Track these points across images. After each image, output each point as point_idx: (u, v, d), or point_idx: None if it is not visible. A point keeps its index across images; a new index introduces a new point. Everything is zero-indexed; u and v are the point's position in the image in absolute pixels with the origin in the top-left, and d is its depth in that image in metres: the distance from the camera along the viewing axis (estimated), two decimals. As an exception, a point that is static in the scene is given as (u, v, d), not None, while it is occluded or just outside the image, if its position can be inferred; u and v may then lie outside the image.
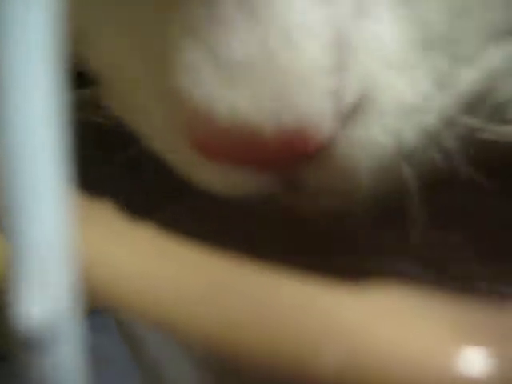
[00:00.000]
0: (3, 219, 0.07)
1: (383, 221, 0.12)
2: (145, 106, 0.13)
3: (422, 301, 0.08)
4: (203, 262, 0.09)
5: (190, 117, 0.11)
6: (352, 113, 0.11)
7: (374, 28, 0.11)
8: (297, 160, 0.11)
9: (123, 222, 0.10)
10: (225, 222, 0.13)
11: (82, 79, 0.14)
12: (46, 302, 0.07)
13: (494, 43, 0.12)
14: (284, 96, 0.11)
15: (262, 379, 0.10)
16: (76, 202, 0.07)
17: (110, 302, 0.09)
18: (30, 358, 0.07)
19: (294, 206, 0.12)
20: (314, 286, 0.08)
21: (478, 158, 0.13)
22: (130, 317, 0.12)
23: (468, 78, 0.12)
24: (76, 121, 0.07)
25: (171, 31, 0.12)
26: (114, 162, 0.14)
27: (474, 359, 0.08)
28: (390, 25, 0.11)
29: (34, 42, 0.07)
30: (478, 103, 0.12)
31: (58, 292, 0.07)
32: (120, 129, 0.14)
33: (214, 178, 0.12)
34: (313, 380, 0.08)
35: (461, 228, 0.14)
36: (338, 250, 0.12)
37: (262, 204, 0.12)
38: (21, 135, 0.07)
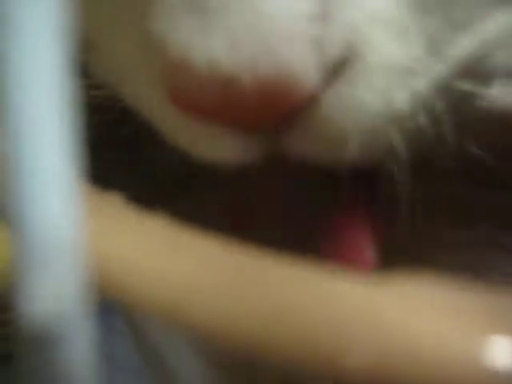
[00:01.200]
0: (11, 210, 0.06)
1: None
2: (127, 63, 0.13)
3: (455, 292, 0.08)
4: (217, 255, 0.09)
5: (165, 64, 0.11)
6: (337, 67, 0.11)
7: None
8: (278, 117, 0.10)
9: (133, 213, 0.09)
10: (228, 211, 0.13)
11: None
12: (56, 296, 0.06)
13: (493, 10, 0.12)
14: (263, 44, 0.10)
15: (275, 376, 0.10)
16: (85, 193, 0.07)
17: (121, 297, 0.09)
18: (40, 354, 0.07)
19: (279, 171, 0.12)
20: (338, 277, 0.08)
21: (468, 127, 0.12)
22: (142, 313, 0.11)
23: (462, 43, 0.12)
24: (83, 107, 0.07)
25: None
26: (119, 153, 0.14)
27: (508, 350, 0.08)
28: None
29: (41, 32, 0.06)
30: (472, 69, 0.12)
31: (67, 286, 0.06)
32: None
33: (198, 142, 0.12)
34: (343, 378, 0.07)
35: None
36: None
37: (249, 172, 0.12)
38: (29, 125, 0.06)
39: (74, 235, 0.06)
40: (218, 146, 0.12)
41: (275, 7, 0.10)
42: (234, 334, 0.08)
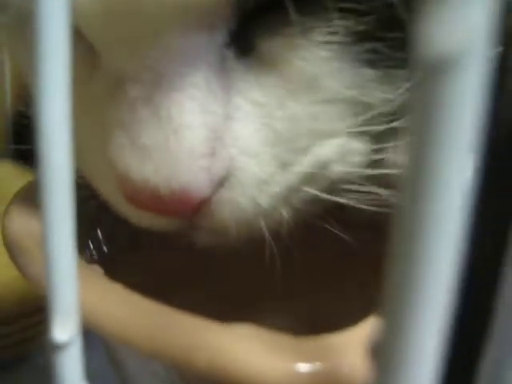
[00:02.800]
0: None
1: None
2: (100, 172, 0.20)
3: (264, 333, 0.15)
4: (148, 307, 0.16)
5: (118, 179, 0.18)
6: (221, 182, 0.18)
7: (236, 128, 0.18)
8: (185, 212, 0.18)
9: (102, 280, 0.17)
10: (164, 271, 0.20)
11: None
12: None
13: (321, 141, 0.19)
14: (175, 171, 0.18)
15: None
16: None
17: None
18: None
19: (194, 238, 0.19)
20: (204, 323, 0.15)
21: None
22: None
23: (304, 162, 0.19)
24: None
25: (110, 125, 0.18)
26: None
27: (295, 368, 0.15)
28: (248, 127, 0.18)
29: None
30: (314, 179, 0.19)
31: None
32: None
33: (141, 219, 0.19)
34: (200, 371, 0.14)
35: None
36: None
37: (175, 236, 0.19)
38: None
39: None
40: (152, 221, 0.19)
41: (183, 148, 0.17)
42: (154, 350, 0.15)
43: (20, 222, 0.21)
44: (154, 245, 0.22)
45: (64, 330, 0.13)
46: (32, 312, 0.40)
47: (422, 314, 0.08)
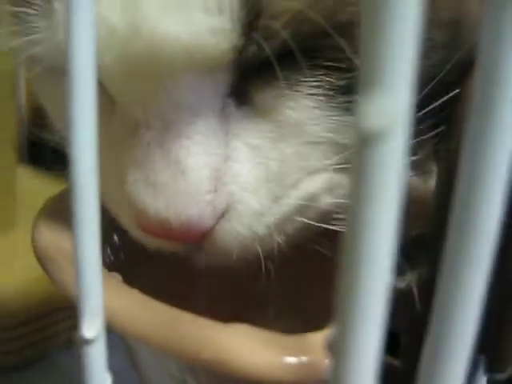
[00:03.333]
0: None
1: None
2: (116, 201, 0.23)
3: (259, 332, 0.18)
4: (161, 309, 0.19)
5: (134, 211, 0.21)
6: (222, 213, 0.21)
7: (235, 167, 0.21)
8: (192, 240, 0.21)
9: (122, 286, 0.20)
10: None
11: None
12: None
13: (310, 176, 0.22)
14: (182, 205, 0.20)
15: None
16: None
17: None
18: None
19: (198, 259, 0.22)
20: (209, 323, 0.18)
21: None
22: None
23: (295, 195, 0.22)
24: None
25: (127, 163, 0.21)
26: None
27: (284, 361, 0.17)
28: (246, 166, 0.21)
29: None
30: (304, 209, 0.22)
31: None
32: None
33: (152, 242, 0.22)
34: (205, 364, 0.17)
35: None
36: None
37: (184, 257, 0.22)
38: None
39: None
40: (161, 245, 0.22)
41: (190, 186, 0.20)
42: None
43: (48, 235, 0.24)
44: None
45: (91, 328, 0.16)
46: (46, 314, 0.43)
47: (363, 316, 0.10)
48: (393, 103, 0.10)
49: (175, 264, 0.24)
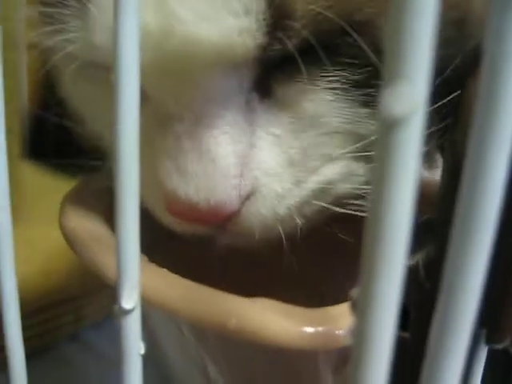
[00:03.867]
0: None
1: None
2: (147, 187, 0.25)
3: (279, 305, 0.19)
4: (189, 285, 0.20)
5: (165, 196, 0.23)
6: (247, 196, 0.23)
7: (260, 155, 0.23)
8: (219, 221, 0.23)
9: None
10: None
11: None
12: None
13: (328, 163, 0.23)
14: (211, 188, 0.22)
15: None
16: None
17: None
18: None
19: (221, 241, 0.24)
20: (234, 297, 0.20)
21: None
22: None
23: (314, 180, 0.23)
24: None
25: (159, 153, 0.23)
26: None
27: (303, 330, 0.19)
28: (269, 153, 0.23)
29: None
30: (322, 194, 0.24)
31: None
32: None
33: (180, 226, 0.24)
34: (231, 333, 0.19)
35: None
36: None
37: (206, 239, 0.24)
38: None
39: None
40: (190, 228, 0.23)
41: (218, 173, 0.22)
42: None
43: (76, 220, 0.25)
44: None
45: (129, 300, 0.17)
46: (53, 305, 0.44)
47: (385, 278, 0.12)
48: (413, 93, 0.11)
49: (194, 248, 0.26)
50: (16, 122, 0.48)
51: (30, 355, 0.21)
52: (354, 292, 0.18)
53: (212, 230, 0.24)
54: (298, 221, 0.24)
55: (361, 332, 0.12)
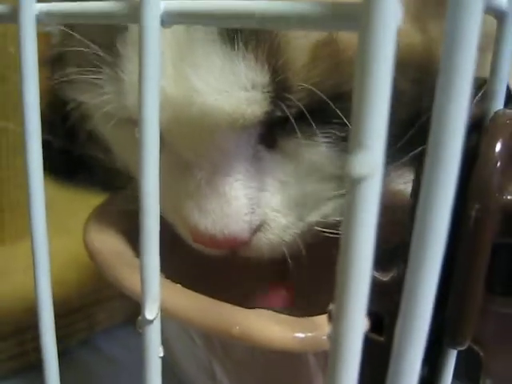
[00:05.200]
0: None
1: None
2: (174, 218, 0.29)
3: (275, 315, 0.23)
4: (199, 298, 0.24)
5: (189, 229, 0.27)
6: (258, 228, 0.27)
7: (268, 196, 0.27)
8: (233, 248, 0.27)
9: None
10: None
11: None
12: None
13: (325, 203, 0.28)
14: (226, 223, 0.26)
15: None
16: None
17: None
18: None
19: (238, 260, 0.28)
20: (237, 308, 0.23)
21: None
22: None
23: (314, 216, 0.28)
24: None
25: (183, 193, 0.27)
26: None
27: (295, 336, 0.23)
28: (276, 195, 0.27)
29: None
30: (321, 224, 0.28)
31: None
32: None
33: (203, 249, 0.28)
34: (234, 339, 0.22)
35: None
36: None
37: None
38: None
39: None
40: (209, 251, 0.28)
41: (232, 211, 0.26)
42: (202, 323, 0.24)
43: (99, 239, 0.29)
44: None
45: (151, 311, 0.21)
46: (67, 313, 0.46)
47: (353, 292, 0.16)
48: (371, 160, 0.15)
49: (198, 259, 0.30)
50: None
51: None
52: (331, 305, 0.22)
53: (228, 252, 0.28)
54: (300, 242, 0.28)
55: (335, 337, 0.16)
